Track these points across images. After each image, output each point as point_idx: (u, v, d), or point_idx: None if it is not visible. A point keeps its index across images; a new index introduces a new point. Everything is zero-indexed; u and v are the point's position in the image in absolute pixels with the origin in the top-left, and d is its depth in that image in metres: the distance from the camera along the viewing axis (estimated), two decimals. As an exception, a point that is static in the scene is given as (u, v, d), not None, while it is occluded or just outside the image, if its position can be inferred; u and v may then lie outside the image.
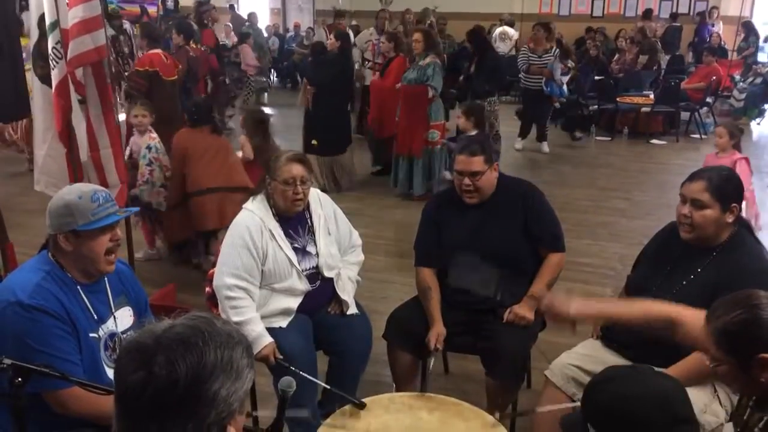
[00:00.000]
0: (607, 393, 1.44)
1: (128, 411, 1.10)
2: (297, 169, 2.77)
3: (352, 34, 8.94)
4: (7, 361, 1.62)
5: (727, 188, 2.31)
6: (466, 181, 2.87)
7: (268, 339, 2.66)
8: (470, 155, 2.86)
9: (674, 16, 13.11)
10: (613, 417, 1.41)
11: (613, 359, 2.52)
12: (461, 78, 8.18)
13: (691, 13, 13.64)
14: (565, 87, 8.35)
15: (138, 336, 1.13)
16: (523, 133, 8.64)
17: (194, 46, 7.57)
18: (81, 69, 3.65)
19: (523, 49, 8.67)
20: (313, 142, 6.51)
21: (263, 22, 15.17)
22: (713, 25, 12.43)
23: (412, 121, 6.35)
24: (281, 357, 2.64)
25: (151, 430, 1.08)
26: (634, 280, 2.61)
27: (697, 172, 2.38)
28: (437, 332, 2.79)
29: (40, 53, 3.61)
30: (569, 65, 8.41)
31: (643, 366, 1.59)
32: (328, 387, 2.61)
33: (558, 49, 8.27)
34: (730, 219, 2.31)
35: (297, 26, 15.03)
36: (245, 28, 12.15)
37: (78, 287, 2.06)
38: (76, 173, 3.64)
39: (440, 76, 6.31)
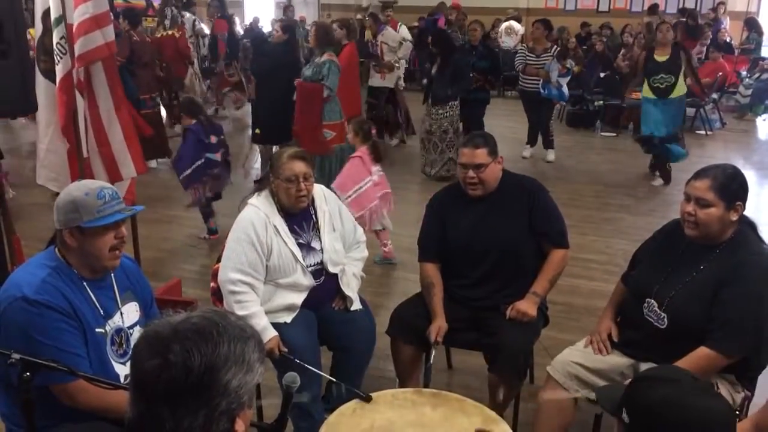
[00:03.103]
0: (658, 392, 1.40)
1: (143, 397, 1.13)
2: (299, 167, 2.79)
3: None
4: (16, 356, 1.64)
5: (732, 186, 2.31)
6: (470, 173, 2.88)
7: (273, 332, 2.68)
8: (474, 148, 2.88)
9: (683, 12, 13.01)
10: (653, 416, 1.38)
11: (616, 357, 2.53)
12: (424, 81, 7.87)
13: (698, 8, 13.57)
14: (565, 89, 7.63)
15: (156, 326, 1.17)
16: (531, 140, 8.06)
17: (139, 31, 7.53)
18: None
19: (521, 47, 8.28)
20: (256, 131, 6.57)
21: (268, 16, 15.15)
22: (722, 22, 12.37)
23: (306, 120, 6.06)
24: (285, 350, 2.66)
25: (165, 417, 1.11)
26: (636, 277, 2.61)
27: (702, 171, 2.37)
28: (438, 325, 2.80)
29: (43, 48, 3.62)
30: (568, 66, 7.77)
31: (706, 382, 1.55)
32: (335, 381, 2.61)
33: (557, 48, 7.81)
34: (734, 217, 2.31)
35: (302, 20, 14.99)
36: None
37: (84, 283, 2.08)
38: (82, 169, 3.65)
39: (336, 75, 5.90)
